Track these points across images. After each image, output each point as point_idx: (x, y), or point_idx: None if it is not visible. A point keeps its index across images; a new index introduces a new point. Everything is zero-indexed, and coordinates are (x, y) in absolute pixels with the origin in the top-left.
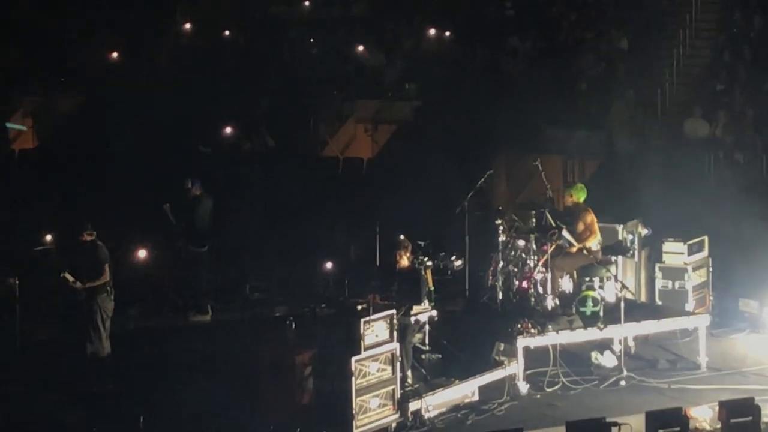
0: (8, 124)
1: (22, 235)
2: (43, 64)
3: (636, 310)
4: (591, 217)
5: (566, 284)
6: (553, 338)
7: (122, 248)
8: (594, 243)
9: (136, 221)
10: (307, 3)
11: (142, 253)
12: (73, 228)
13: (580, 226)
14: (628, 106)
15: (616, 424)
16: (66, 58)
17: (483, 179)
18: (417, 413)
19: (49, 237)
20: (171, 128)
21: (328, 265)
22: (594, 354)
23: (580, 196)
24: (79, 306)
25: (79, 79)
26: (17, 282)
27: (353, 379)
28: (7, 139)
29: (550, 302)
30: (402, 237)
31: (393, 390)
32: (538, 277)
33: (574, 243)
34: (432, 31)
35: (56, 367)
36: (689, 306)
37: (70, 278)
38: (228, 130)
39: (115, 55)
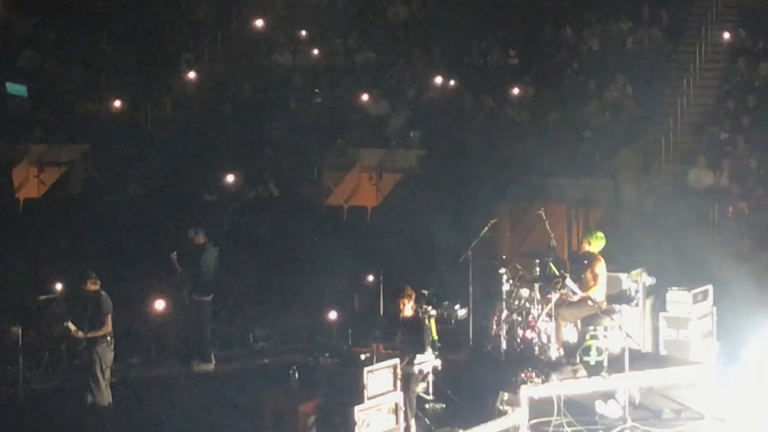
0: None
1: (27, 284)
2: (48, 112)
3: (640, 360)
4: (600, 267)
5: (570, 333)
6: (558, 388)
7: (127, 297)
8: (597, 293)
9: (141, 270)
10: (312, 52)
11: (156, 303)
12: (77, 277)
13: (588, 274)
14: (634, 154)
15: None
16: (71, 107)
17: (487, 228)
18: None
19: (59, 286)
20: (175, 176)
21: (332, 314)
22: (598, 403)
23: (598, 244)
24: (79, 355)
25: (84, 128)
26: (20, 331)
27: (357, 429)
28: (11, 188)
29: (554, 352)
30: (406, 286)
31: None
32: (542, 326)
33: (578, 292)
34: (436, 80)
35: (59, 416)
36: (694, 355)
37: (73, 327)
38: (232, 178)
39: (119, 103)
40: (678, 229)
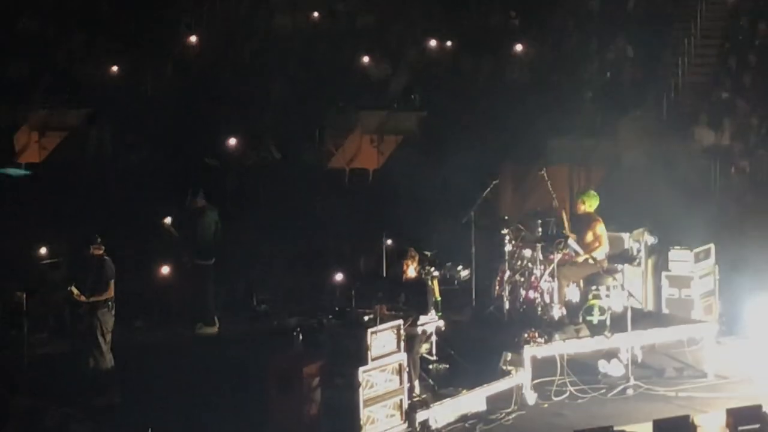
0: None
1: (30, 249)
2: (48, 77)
3: (643, 319)
4: (601, 228)
5: (573, 293)
6: (560, 347)
7: (130, 261)
8: (601, 253)
9: (143, 234)
10: (312, 15)
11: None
12: (81, 241)
13: (589, 236)
14: (635, 122)
15: None
16: (71, 72)
17: (489, 189)
18: (424, 423)
19: (61, 251)
20: (177, 141)
21: (338, 276)
22: (601, 363)
23: (593, 203)
24: (81, 319)
25: (84, 93)
26: (25, 295)
27: (361, 390)
28: (13, 153)
29: (557, 311)
30: (409, 247)
31: (400, 400)
32: (545, 286)
33: (581, 252)
34: (437, 42)
35: (63, 380)
36: (696, 314)
37: (76, 292)
38: (234, 142)
39: (119, 68)
40: (680, 188)
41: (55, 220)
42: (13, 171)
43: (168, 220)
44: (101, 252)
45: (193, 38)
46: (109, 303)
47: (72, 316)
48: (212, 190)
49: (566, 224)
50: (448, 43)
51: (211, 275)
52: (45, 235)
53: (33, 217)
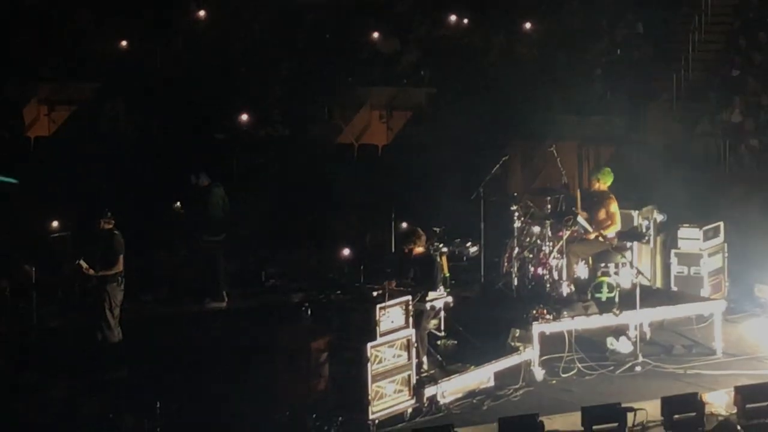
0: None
1: (39, 222)
2: (57, 51)
3: (651, 296)
4: (615, 206)
5: (581, 270)
6: (569, 324)
7: (139, 236)
8: (612, 231)
9: (152, 209)
10: None
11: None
12: (91, 215)
13: (602, 214)
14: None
15: (631, 409)
16: (80, 45)
17: (498, 165)
18: (432, 399)
19: (63, 223)
20: (185, 115)
21: (346, 251)
22: (609, 340)
23: (607, 180)
24: (89, 293)
25: (94, 66)
26: (34, 269)
27: (369, 365)
28: (22, 126)
29: (566, 288)
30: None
31: (408, 376)
32: (554, 263)
33: (590, 229)
34: (447, 18)
35: (72, 353)
36: (705, 292)
37: (84, 265)
38: (243, 117)
39: (128, 42)
40: (689, 166)
41: (64, 194)
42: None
43: (178, 204)
44: (111, 226)
45: (202, 13)
46: (119, 277)
47: (81, 289)
48: (220, 166)
49: (578, 202)
50: (458, 19)
51: (221, 250)
52: (54, 208)
53: (42, 191)
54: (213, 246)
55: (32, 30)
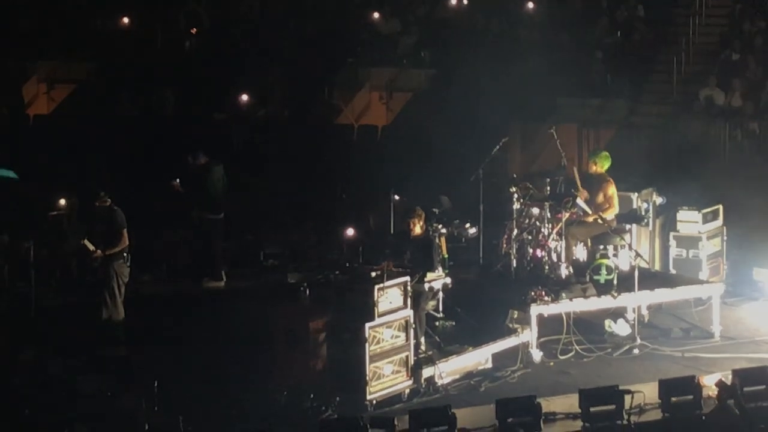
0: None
1: (38, 201)
2: (57, 29)
3: (650, 279)
4: (612, 189)
5: (580, 252)
6: (567, 306)
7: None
8: (610, 215)
9: (150, 189)
10: None
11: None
12: (88, 194)
13: (600, 197)
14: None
15: (629, 391)
16: (80, 24)
17: (498, 147)
18: (430, 380)
19: (63, 202)
20: (185, 95)
21: (350, 231)
22: (607, 322)
23: (604, 164)
24: (96, 271)
25: (94, 45)
26: (32, 247)
27: (367, 345)
28: (22, 104)
29: (564, 270)
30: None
31: (406, 357)
32: (552, 245)
33: (589, 212)
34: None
35: (71, 332)
36: (703, 275)
37: (90, 246)
38: (243, 97)
39: (129, 20)
40: (689, 149)
41: (64, 172)
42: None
43: (177, 181)
44: (108, 203)
45: None
46: (125, 254)
47: (80, 267)
48: (219, 145)
49: (578, 182)
50: (459, 1)
51: (220, 230)
52: (53, 186)
53: (40, 169)
54: (211, 225)
55: (33, 8)
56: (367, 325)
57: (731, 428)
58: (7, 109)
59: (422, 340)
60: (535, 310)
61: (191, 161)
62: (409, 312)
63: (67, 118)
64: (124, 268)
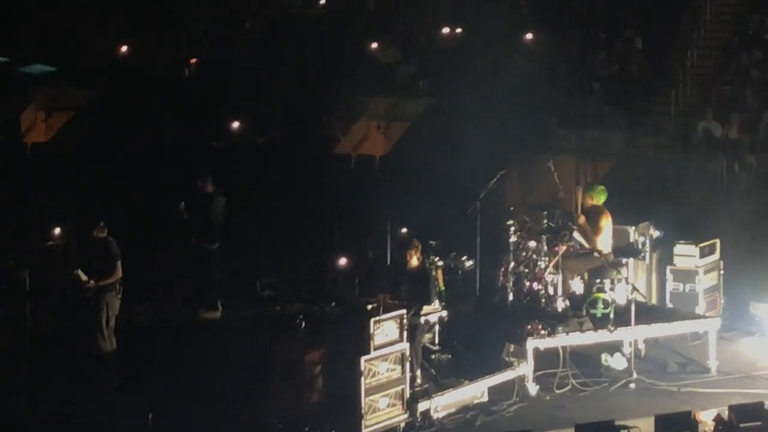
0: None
1: (34, 230)
2: (56, 56)
3: (646, 313)
4: (604, 221)
5: (577, 286)
6: (563, 340)
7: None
8: (601, 245)
9: (147, 217)
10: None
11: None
12: (85, 224)
13: (592, 227)
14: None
15: (625, 427)
16: (78, 51)
17: (495, 179)
18: (426, 413)
19: (58, 231)
20: (184, 122)
21: (342, 260)
22: (604, 356)
23: (600, 198)
24: (86, 302)
25: (92, 72)
26: (27, 276)
27: (362, 378)
28: (19, 132)
29: (561, 304)
30: (412, 237)
31: (402, 390)
32: (549, 278)
33: (586, 245)
34: (446, 29)
35: (65, 361)
36: (700, 309)
37: (83, 276)
38: (237, 125)
39: (128, 47)
40: (686, 182)
41: (61, 201)
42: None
43: (182, 205)
44: (105, 234)
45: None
46: (117, 286)
47: (75, 296)
48: (217, 173)
49: (578, 205)
50: (457, 31)
51: (216, 259)
52: (50, 215)
53: (38, 197)
54: (208, 254)
55: (31, 35)
56: (363, 357)
57: None
58: (4, 137)
59: (418, 373)
60: (532, 343)
61: (199, 186)
62: (405, 345)
63: (65, 145)
64: (116, 300)
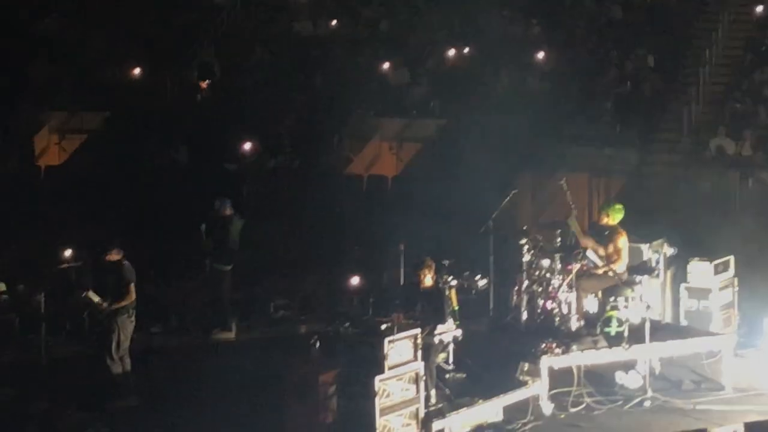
0: None
1: (49, 252)
2: (69, 79)
3: (661, 331)
4: (622, 242)
5: (591, 304)
6: (578, 358)
7: (148, 266)
8: (620, 267)
9: (162, 239)
10: (332, 21)
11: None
12: (100, 247)
13: (610, 248)
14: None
15: None
16: (92, 74)
17: (508, 198)
18: None
19: (72, 253)
20: (196, 145)
21: (355, 283)
22: (618, 374)
23: (617, 216)
24: (99, 324)
25: (105, 95)
26: (43, 299)
27: (377, 398)
28: (33, 155)
29: (575, 322)
30: (426, 257)
31: (417, 409)
32: (563, 297)
33: (599, 263)
34: (457, 49)
35: (80, 384)
36: (714, 326)
37: (95, 298)
38: (249, 147)
39: (140, 70)
40: (700, 199)
41: (74, 224)
42: None
43: (203, 227)
44: (120, 257)
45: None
46: (130, 309)
47: (91, 320)
48: (230, 195)
49: (578, 232)
50: (468, 51)
51: (229, 280)
52: (64, 238)
53: (52, 220)
54: (222, 274)
55: (44, 58)
56: (377, 377)
57: None
58: (18, 160)
59: (432, 392)
60: (546, 362)
61: (217, 208)
62: (419, 365)
63: (79, 168)
64: (128, 323)
